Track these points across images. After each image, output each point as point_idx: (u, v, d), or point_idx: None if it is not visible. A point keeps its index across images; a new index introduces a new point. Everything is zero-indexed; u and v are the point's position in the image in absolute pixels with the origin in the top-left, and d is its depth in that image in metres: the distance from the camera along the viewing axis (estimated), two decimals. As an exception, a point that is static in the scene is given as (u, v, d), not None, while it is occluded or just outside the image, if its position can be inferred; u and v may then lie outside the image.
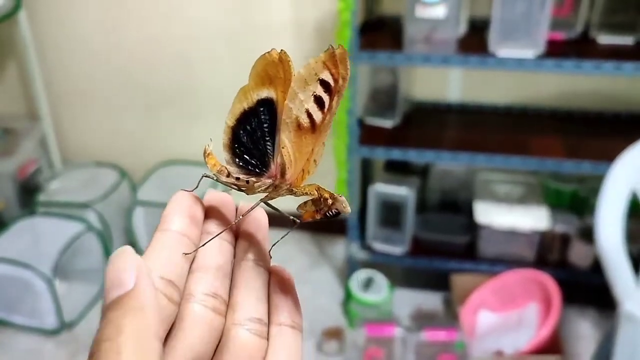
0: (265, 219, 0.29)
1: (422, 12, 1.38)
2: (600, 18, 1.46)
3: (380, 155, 1.56)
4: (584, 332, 1.62)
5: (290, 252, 1.89)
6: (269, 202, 0.29)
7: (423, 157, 1.51)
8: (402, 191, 1.63)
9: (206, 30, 1.77)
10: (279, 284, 0.28)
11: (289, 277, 0.28)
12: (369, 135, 1.56)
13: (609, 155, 1.21)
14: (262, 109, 0.27)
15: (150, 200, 1.83)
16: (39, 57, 1.87)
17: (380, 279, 1.66)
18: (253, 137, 0.27)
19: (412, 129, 1.61)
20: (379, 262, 1.71)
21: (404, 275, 1.83)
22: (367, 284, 1.66)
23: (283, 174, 0.27)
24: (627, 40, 1.44)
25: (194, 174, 1.91)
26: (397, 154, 1.51)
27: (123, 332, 0.21)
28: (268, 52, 0.26)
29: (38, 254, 1.64)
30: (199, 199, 0.28)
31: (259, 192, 0.28)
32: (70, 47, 1.89)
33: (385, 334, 1.43)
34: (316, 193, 0.26)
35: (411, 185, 1.65)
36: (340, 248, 1.93)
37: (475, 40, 1.44)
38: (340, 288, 1.78)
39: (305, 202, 0.27)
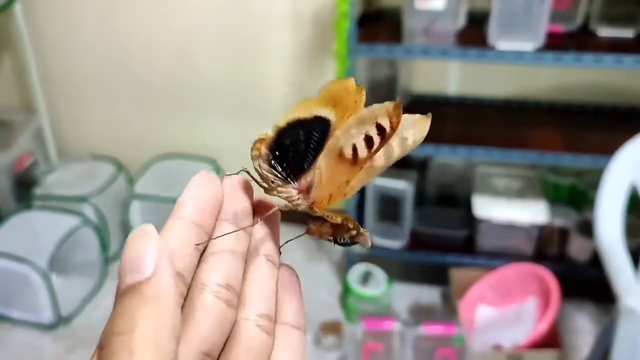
0: (279, 214, 0.29)
1: (421, 4, 1.37)
2: (600, 10, 1.44)
3: (379, 148, 1.55)
4: (583, 326, 1.62)
5: (289, 246, 1.87)
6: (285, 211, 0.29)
7: (422, 150, 1.51)
8: (401, 185, 1.62)
9: (204, 22, 1.76)
10: (287, 283, 0.28)
11: (296, 276, 0.28)
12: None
13: (608, 149, 1.20)
14: (316, 125, 0.27)
15: (147, 193, 1.82)
16: (34, 50, 1.86)
17: (379, 273, 1.66)
18: (295, 147, 0.27)
19: (410, 123, 1.59)
20: (377, 256, 1.70)
21: (402, 269, 1.83)
22: (365, 278, 1.65)
23: (308, 191, 0.27)
24: (627, 33, 1.43)
25: (191, 168, 1.90)
26: (395, 147, 1.50)
27: (138, 327, 0.20)
28: (347, 78, 0.27)
29: (34, 248, 1.63)
30: (218, 183, 0.27)
31: (277, 196, 0.28)
32: (66, 39, 1.88)
33: (384, 328, 1.43)
34: (340, 220, 0.26)
35: (410, 179, 1.65)
36: (338, 242, 1.92)
37: (474, 33, 1.43)
38: (339, 282, 1.78)
39: (321, 223, 0.27)
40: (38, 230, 1.71)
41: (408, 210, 1.64)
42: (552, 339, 1.40)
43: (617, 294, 1.08)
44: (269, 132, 0.28)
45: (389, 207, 1.65)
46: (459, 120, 1.64)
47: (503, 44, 1.36)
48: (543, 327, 1.39)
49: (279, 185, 0.28)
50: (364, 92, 0.27)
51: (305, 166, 0.27)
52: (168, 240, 0.24)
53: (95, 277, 1.77)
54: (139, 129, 1.98)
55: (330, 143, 0.26)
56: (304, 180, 0.27)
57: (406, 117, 0.26)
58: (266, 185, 0.28)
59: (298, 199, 0.28)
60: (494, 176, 1.70)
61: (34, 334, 1.65)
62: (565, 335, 1.56)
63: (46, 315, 1.64)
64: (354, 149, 0.26)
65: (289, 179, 0.28)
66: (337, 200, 0.27)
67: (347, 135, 0.26)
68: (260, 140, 0.28)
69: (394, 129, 0.25)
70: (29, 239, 1.68)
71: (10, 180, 1.85)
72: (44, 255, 1.60)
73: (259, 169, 0.28)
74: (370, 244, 0.26)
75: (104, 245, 1.77)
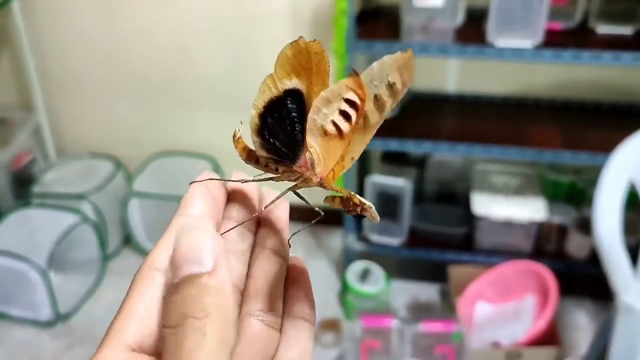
0: (286, 208, 0.29)
1: (420, 1, 1.36)
2: (599, 7, 1.44)
3: (378, 146, 1.55)
4: (581, 323, 1.62)
5: (287, 244, 1.88)
6: (297, 191, 0.29)
7: (420, 148, 1.51)
8: (400, 182, 1.62)
9: (202, 19, 1.75)
10: (296, 276, 0.28)
11: (305, 269, 0.28)
12: (366, 126, 1.55)
13: (607, 146, 1.20)
14: (289, 98, 0.27)
15: (146, 191, 1.82)
16: (32, 47, 1.85)
17: (377, 270, 1.66)
18: (282, 126, 0.27)
19: (409, 120, 1.60)
20: (376, 254, 1.71)
21: (401, 266, 1.83)
22: (364, 275, 1.65)
23: (313, 166, 0.27)
24: (625, 30, 1.43)
25: (190, 165, 1.90)
26: (394, 144, 1.50)
27: (209, 313, 0.20)
28: (296, 41, 0.26)
29: (33, 245, 1.63)
30: (222, 183, 0.28)
31: (288, 180, 0.28)
32: (64, 36, 1.87)
33: (382, 325, 1.43)
34: (345, 195, 0.26)
35: (408, 176, 1.65)
36: (337, 239, 1.92)
37: (473, 30, 1.43)
38: (337, 279, 1.78)
39: (333, 197, 0.27)
40: (36, 228, 1.71)
41: (407, 208, 1.64)
42: (550, 336, 1.40)
43: (615, 291, 1.08)
44: (241, 129, 0.28)
45: (388, 204, 1.65)
46: (458, 117, 1.64)
47: (502, 41, 1.36)
48: (541, 324, 1.39)
49: (285, 171, 0.27)
50: (322, 50, 0.26)
51: (299, 142, 0.27)
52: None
53: (93, 274, 1.77)
54: (138, 127, 1.98)
55: (308, 125, 0.26)
56: (305, 157, 0.27)
57: (385, 60, 0.26)
58: (273, 175, 0.28)
59: (308, 177, 0.27)
60: (492, 173, 1.70)
61: (32, 332, 1.65)
62: (563, 332, 1.56)
63: (45, 312, 1.64)
64: (335, 124, 0.26)
65: (289, 160, 0.27)
66: (339, 174, 0.27)
67: (321, 114, 0.25)
68: (239, 140, 0.28)
69: (363, 99, 0.25)
70: (27, 237, 1.68)
71: (9, 178, 1.85)
72: (43, 252, 1.60)
73: (257, 165, 0.27)
74: (378, 219, 0.26)
75: (102, 243, 1.77)
